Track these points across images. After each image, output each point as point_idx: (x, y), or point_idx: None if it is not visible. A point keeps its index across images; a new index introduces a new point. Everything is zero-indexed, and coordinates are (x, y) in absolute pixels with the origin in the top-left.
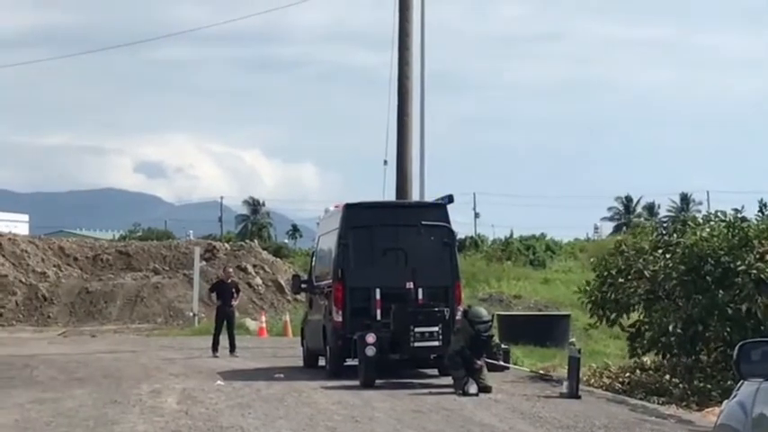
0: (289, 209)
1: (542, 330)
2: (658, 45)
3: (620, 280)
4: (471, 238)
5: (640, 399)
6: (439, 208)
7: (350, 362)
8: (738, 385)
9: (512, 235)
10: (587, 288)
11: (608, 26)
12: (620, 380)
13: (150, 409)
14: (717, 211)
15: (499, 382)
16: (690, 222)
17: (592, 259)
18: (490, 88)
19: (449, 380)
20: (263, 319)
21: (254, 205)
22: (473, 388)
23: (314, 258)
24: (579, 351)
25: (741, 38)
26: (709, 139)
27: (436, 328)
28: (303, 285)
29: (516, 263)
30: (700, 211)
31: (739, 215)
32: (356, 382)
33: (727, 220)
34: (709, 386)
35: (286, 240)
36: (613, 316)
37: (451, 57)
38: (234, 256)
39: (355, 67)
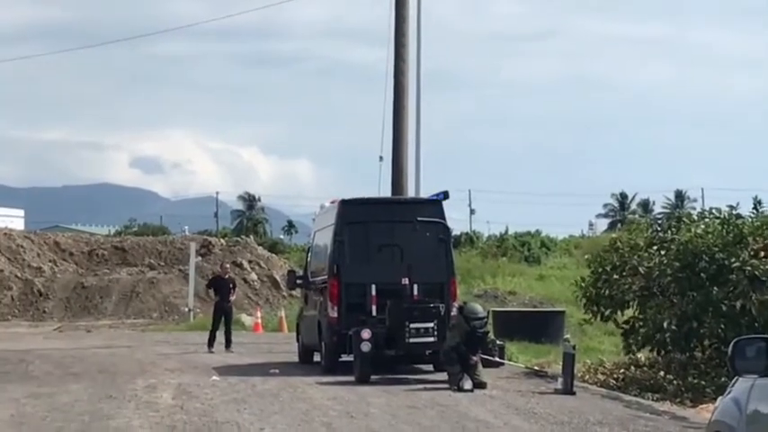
0: (284, 204)
1: (537, 326)
2: (655, 43)
3: (615, 276)
4: (466, 234)
5: (635, 395)
6: (434, 204)
7: (345, 357)
8: (733, 382)
9: (507, 231)
10: (582, 284)
11: (604, 24)
12: (615, 376)
13: (145, 404)
14: (711, 208)
15: (494, 378)
16: (684, 219)
17: (586, 256)
18: (486, 85)
19: (444, 376)
20: (259, 314)
21: (250, 201)
22: (468, 384)
23: (309, 254)
24: (574, 347)
25: (737, 36)
26: (705, 136)
27: (431, 324)
28: (298, 281)
29: (511, 259)
30: (694, 209)
31: (734, 212)
32: (351, 378)
33: (722, 216)
34: (703, 383)
35: (281, 236)
36: (608, 312)
37: (448, 54)
38: (229, 251)
39: (352, 64)
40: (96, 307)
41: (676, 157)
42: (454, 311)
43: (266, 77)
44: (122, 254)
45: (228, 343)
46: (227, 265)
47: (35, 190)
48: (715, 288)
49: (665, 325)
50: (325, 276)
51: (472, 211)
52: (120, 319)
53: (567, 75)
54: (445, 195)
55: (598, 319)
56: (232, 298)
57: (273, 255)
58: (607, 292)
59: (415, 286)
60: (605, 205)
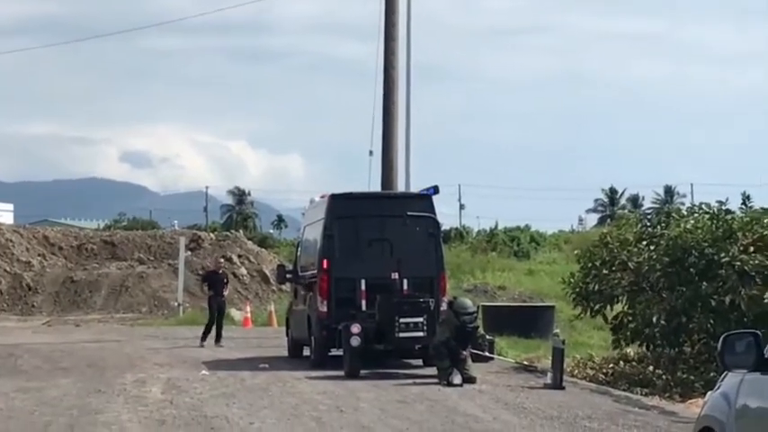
0: (274, 199)
1: (527, 321)
2: (646, 39)
3: (605, 271)
4: (456, 229)
5: (624, 390)
6: (424, 199)
7: (335, 352)
8: (722, 376)
9: (496, 226)
10: (572, 279)
11: (595, 19)
12: (604, 371)
13: (134, 399)
14: (701, 203)
15: (483, 373)
16: (674, 214)
17: (576, 251)
18: (477, 80)
19: (433, 370)
20: (248, 309)
21: (240, 195)
22: (457, 378)
23: (299, 249)
24: (563, 342)
25: (727, 33)
26: (694, 132)
27: (421, 319)
28: (288, 276)
29: (501, 254)
30: (683, 204)
31: (723, 207)
32: (341, 372)
33: (711, 212)
34: (692, 377)
35: (271, 231)
36: (597, 307)
37: (438, 48)
38: (219, 246)
39: (343, 59)
40: (85, 301)
41: (666, 152)
42: (444, 306)
43: (256, 72)
44: (112, 248)
45: (219, 337)
46: (221, 260)
47: (24, 184)
48: (704, 283)
49: (654, 320)
50: (315, 271)
51: (462, 206)
52: (110, 314)
53: (558, 70)
54: (435, 190)
55: (587, 314)
56: (225, 293)
57: (263, 249)
58: (596, 287)
59: (405, 281)
60: (596, 200)
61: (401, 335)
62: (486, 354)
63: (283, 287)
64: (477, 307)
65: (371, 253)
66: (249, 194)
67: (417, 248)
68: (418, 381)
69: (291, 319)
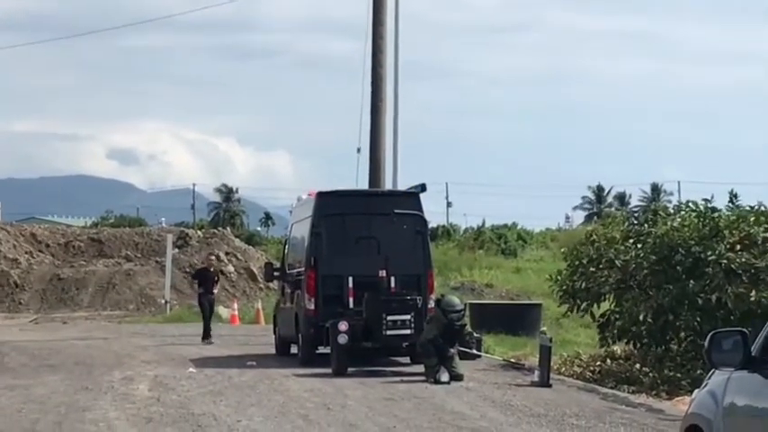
0: (262, 197)
1: (514, 319)
2: (633, 36)
3: (592, 269)
4: (443, 227)
5: (611, 387)
6: (412, 197)
7: (322, 350)
8: (709, 374)
9: (484, 224)
10: (559, 277)
11: (582, 17)
12: (591, 369)
13: (122, 396)
14: (688, 201)
15: (471, 371)
16: (661, 212)
17: (563, 249)
18: (464, 77)
19: (421, 368)
20: (236, 306)
21: (227, 193)
22: (445, 376)
23: (287, 246)
24: (550, 340)
25: (715, 31)
26: (680, 130)
27: (408, 317)
28: (276, 273)
29: (488, 252)
30: (670, 202)
31: (710, 205)
32: (328, 370)
33: (698, 210)
34: (679, 375)
35: (258, 228)
36: (584, 305)
37: (425, 46)
38: (206, 243)
39: (330, 56)
40: (72, 299)
41: (653, 150)
42: (431, 304)
43: (244, 69)
44: (99, 245)
45: (206, 335)
46: (213, 258)
47: (11, 181)
48: (691, 281)
49: (641, 318)
50: (303, 269)
51: (449, 204)
52: (97, 311)
53: (545, 68)
54: (423, 188)
55: (574, 311)
56: (215, 290)
57: (250, 247)
58: (583, 284)
59: (393, 278)
60: (583, 198)
61: (389, 332)
62: (474, 351)
63: (271, 285)
64: (465, 305)
65: (359, 251)
66: (237, 192)
67: (405, 246)
68: (405, 378)
69: (279, 316)
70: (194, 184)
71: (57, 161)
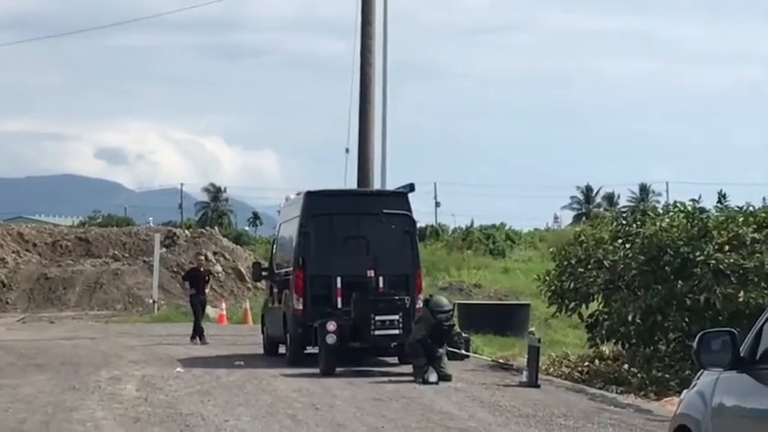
0: (249, 196)
1: (502, 319)
2: (623, 37)
3: (580, 270)
4: (432, 227)
5: (599, 388)
6: (400, 196)
7: (310, 350)
8: (698, 375)
9: (472, 224)
10: (547, 278)
11: (572, 17)
12: (579, 369)
13: (109, 396)
14: (676, 202)
15: (459, 371)
16: (649, 213)
17: (551, 249)
18: (452, 78)
19: (409, 368)
20: (223, 306)
21: (215, 193)
22: (433, 376)
23: (275, 246)
24: (539, 340)
25: (707, 32)
26: (672, 130)
27: (397, 317)
28: (264, 273)
29: (476, 252)
30: (659, 203)
31: (698, 206)
32: (316, 370)
33: (687, 210)
34: (667, 376)
35: (246, 228)
36: (573, 305)
37: (414, 46)
38: (194, 243)
39: (319, 55)
40: (60, 298)
41: (642, 150)
42: (420, 304)
43: (231, 69)
44: (86, 245)
45: (195, 334)
46: (202, 257)
47: None
48: (679, 282)
49: (629, 318)
50: (291, 268)
51: (437, 204)
52: (84, 311)
53: (535, 68)
54: (411, 188)
55: (563, 312)
56: (207, 290)
57: (238, 246)
58: (572, 285)
59: (381, 278)
60: (572, 197)
61: (377, 333)
62: (462, 352)
63: (259, 285)
64: (453, 305)
65: (347, 250)
66: (224, 191)
67: (393, 246)
68: (394, 378)
69: (267, 316)
70: (182, 184)
71: (44, 160)
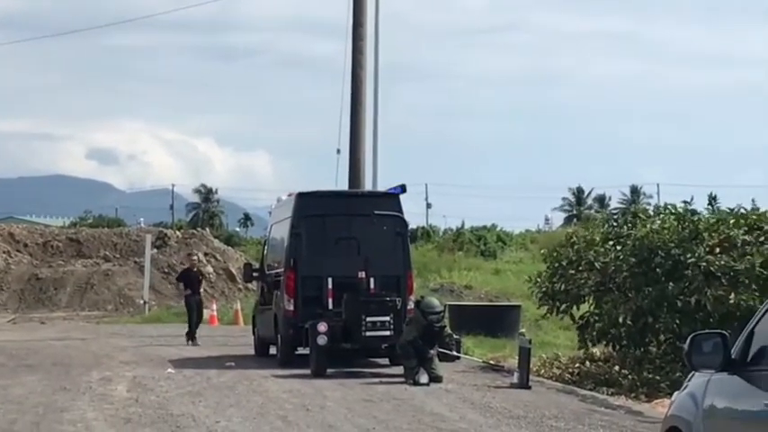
0: (241, 197)
1: (493, 321)
2: (615, 38)
3: (571, 271)
4: (423, 228)
5: (590, 389)
6: (392, 198)
7: (301, 350)
8: (689, 376)
9: (463, 225)
10: (538, 279)
11: (564, 18)
12: (570, 370)
13: (100, 397)
14: (667, 204)
15: (450, 372)
16: (641, 215)
17: (543, 250)
18: (444, 79)
19: (400, 369)
20: (214, 307)
21: (206, 193)
22: (424, 377)
23: (266, 247)
24: (530, 342)
25: (695, 33)
26: (661, 132)
27: (388, 318)
28: (255, 274)
29: (467, 253)
30: (649, 205)
31: (689, 208)
32: (307, 371)
33: (678, 212)
34: (658, 377)
35: (237, 229)
36: (564, 307)
37: (405, 48)
38: (185, 244)
39: (311, 56)
40: (51, 299)
41: (634, 152)
42: (411, 305)
43: (223, 69)
44: (77, 246)
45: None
46: (195, 258)
47: None
48: (670, 283)
49: (620, 320)
50: (282, 269)
51: (429, 205)
52: (75, 311)
53: (527, 69)
54: (402, 189)
55: (554, 313)
56: (201, 290)
57: (229, 247)
58: (563, 286)
59: (372, 280)
60: (563, 199)
61: (368, 334)
62: (453, 353)
63: (250, 285)
64: (444, 306)
65: (338, 251)
66: (216, 192)
67: (384, 247)
68: (385, 380)
69: (258, 317)
70: (173, 185)
71: (35, 161)
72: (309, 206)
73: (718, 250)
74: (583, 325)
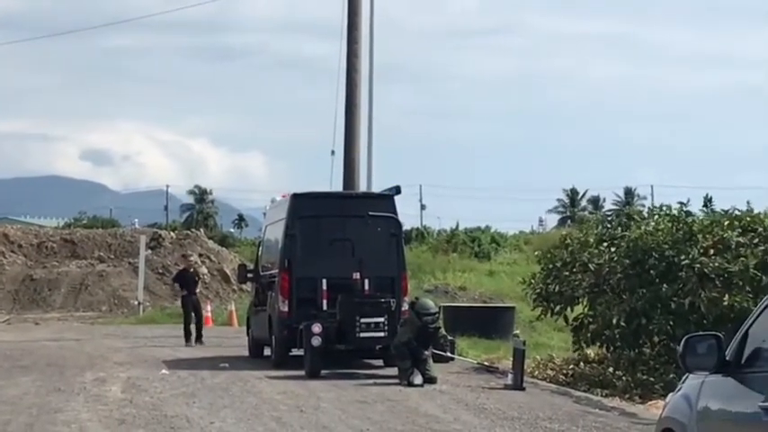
0: (235, 198)
1: (487, 322)
2: (609, 40)
3: (565, 273)
4: (417, 229)
5: (584, 391)
6: (386, 199)
7: (295, 352)
8: (683, 378)
9: (457, 227)
10: (532, 281)
11: (557, 20)
12: (564, 372)
13: (94, 398)
14: (662, 205)
15: (444, 374)
16: (635, 216)
17: (537, 252)
18: (439, 80)
19: (394, 371)
20: (209, 308)
21: (201, 195)
22: (418, 379)
23: (260, 248)
24: (524, 343)
25: (689, 35)
26: (655, 133)
27: (382, 319)
28: (249, 275)
29: (461, 255)
30: (643, 206)
31: (684, 209)
32: (302, 372)
33: (672, 214)
34: (651, 379)
35: (232, 230)
36: (558, 308)
37: (401, 49)
38: (179, 245)
39: (306, 57)
40: (45, 299)
41: (627, 153)
42: (405, 307)
43: (218, 70)
44: (72, 246)
45: (199, 336)
46: (191, 258)
47: None
48: (664, 285)
49: (614, 321)
50: (276, 270)
51: (423, 207)
52: (69, 312)
53: (521, 70)
54: (397, 190)
55: (548, 315)
56: (198, 290)
57: (224, 248)
58: (557, 288)
59: (367, 281)
60: (558, 200)
61: (362, 335)
62: (448, 354)
63: (244, 287)
64: (439, 308)
65: (333, 253)
66: (210, 193)
67: (379, 248)
68: (379, 381)
69: (252, 318)
70: (168, 186)
71: (30, 161)
72: (304, 207)
73: (712, 252)
74: (577, 326)
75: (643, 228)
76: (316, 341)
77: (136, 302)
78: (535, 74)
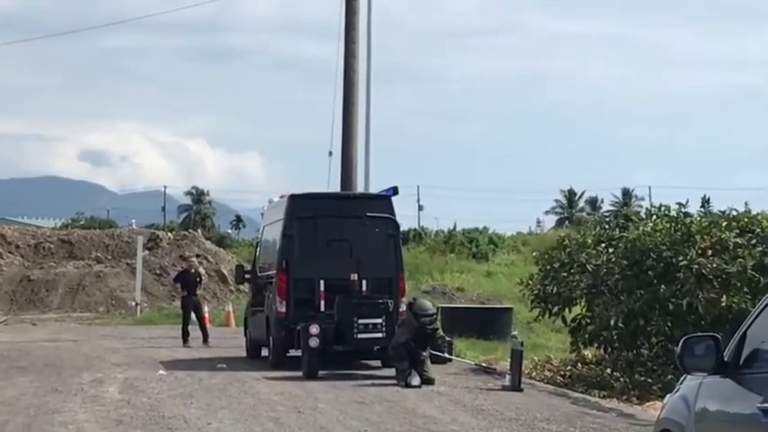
0: (233, 199)
1: (485, 323)
2: (607, 40)
3: (563, 274)
4: (415, 230)
5: (582, 392)
6: (384, 200)
7: (293, 352)
8: (681, 379)
9: (455, 228)
10: (530, 282)
11: (556, 20)
12: (562, 373)
13: (92, 399)
14: (660, 206)
15: (442, 375)
16: (633, 217)
17: (534, 253)
18: (438, 81)
19: (392, 371)
20: (206, 309)
21: (198, 195)
22: (416, 380)
23: (258, 249)
24: (521, 344)
25: (689, 36)
26: (653, 134)
27: (380, 320)
28: (247, 276)
29: (459, 255)
30: (641, 207)
31: (682, 210)
32: (299, 373)
33: (670, 215)
34: (649, 380)
35: (229, 231)
36: (556, 309)
37: (399, 49)
38: (177, 245)
39: (303, 58)
40: (42, 300)
41: (625, 154)
42: (403, 308)
43: (216, 71)
44: (69, 247)
45: (205, 337)
46: (193, 258)
47: None
48: (662, 286)
49: (612, 322)
50: (274, 271)
51: (421, 207)
52: (67, 313)
53: (520, 71)
54: (395, 191)
55: (546, 316)
56: (198, 291)
57: (221, 249)
58: (555, 289)
59: (364, 282)
60: (555, 201)
61: (360, 336)
62: (445, 355)
63: (241, 287)
64: (437, 308)
65: (330, 253)
66: (208, 194)
67: (376, 249)
68: (377, 382)
69: (250, 319)
70: (165, 187)
71: (28, 162)
72: (301, 208)
73: (710, 253)
74: (575, 327)
75: (641, 229)
76: (313, 342)
77: (133, 303)
78: (535, 74)
